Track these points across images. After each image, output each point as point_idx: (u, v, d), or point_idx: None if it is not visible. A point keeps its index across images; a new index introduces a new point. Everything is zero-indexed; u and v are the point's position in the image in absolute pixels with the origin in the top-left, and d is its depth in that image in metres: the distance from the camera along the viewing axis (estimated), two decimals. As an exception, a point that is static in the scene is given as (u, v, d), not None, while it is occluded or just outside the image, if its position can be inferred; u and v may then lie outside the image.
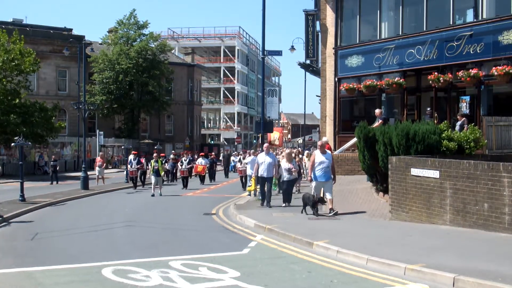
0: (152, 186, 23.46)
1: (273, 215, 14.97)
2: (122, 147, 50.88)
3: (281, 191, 17.96)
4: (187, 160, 29.49)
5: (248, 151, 40.15)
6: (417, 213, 12.58)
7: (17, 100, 35.62)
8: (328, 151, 15.21)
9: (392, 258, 8.83)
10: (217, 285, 7.82)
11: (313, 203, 14.26)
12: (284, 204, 16.66)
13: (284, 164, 16.90)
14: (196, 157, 34.35)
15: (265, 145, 18.34)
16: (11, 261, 9.92)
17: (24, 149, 23.04)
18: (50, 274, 8.74)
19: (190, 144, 62.12)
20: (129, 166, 27.63)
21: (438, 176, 11.92)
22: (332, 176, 14.66)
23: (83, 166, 26.63)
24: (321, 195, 14.67)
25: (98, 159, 29.29)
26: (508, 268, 8.01)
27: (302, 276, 8.35)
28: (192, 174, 31.33)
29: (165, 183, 29.34)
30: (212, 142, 79.27)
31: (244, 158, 26.59)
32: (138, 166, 26.86)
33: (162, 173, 24.52)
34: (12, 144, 23.89)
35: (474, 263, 8.35)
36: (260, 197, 17.55)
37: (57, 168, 32.45)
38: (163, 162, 29.31)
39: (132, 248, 11.08)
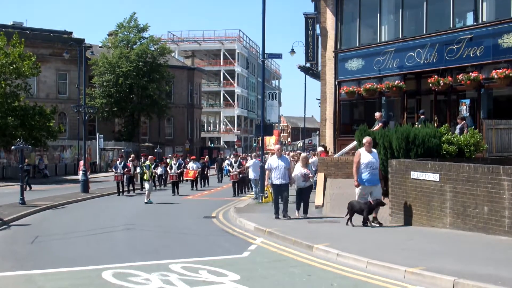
0: (146, 192, 21.99)
1: (273, 218, 14.96)
2: (122, 150, 50.86)
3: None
4: (177, 164, 27.55)
5: (245, 154, 39.72)
6: (417, 216, 12.58)
7: (16, 103, 35.64)
8: (374, 150, 13.38)
9: (392, 261, 8.83)
10: (217, 288, 7.82)
11: (369, 209, 12.61)
12: (303, 215, 15.01)
13: (300, 169, 15.02)
14: (187, 160, 32.57)
15: (277, 147, 16.62)
16: (11, 264, 9.93)
17: (24, 153, 23.01)
18: (50, 278, 8.75)
19: (190, 147, 62.11)
20: (114, 170, 26.17)
21: (438, 179, 11.92)
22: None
23: (83, 169, 26.62)
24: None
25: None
26: (508, 271, 8.01)
27: (302, 280, 8.36)
28: (183, 179, 30.08)
29: (154, 188, 28.20)
30: (212, 145, 79.30)
31: (236, 162, 25.45)
32: (125, 170, 25.65)
33: (146, 177, 22.62)
34: (12, 147, 23.87)
35: (474, 267, 8.35)
36: (273, 207, 15.28)
37: (30, 174, 30.14)
38: (154, 166, 28.63)
39: (132, 252, 11.08)
